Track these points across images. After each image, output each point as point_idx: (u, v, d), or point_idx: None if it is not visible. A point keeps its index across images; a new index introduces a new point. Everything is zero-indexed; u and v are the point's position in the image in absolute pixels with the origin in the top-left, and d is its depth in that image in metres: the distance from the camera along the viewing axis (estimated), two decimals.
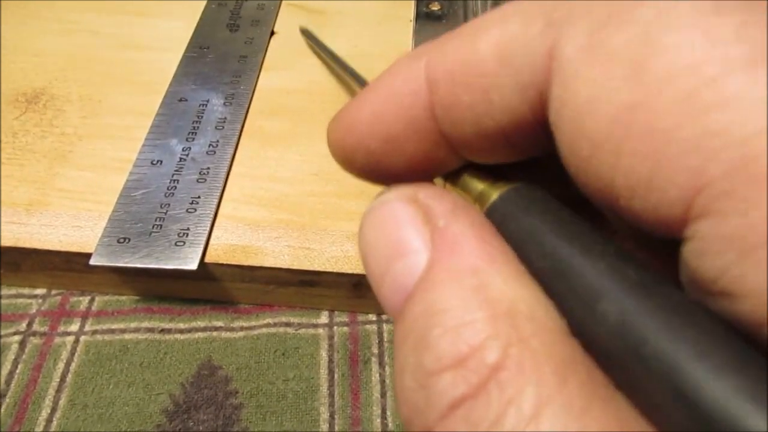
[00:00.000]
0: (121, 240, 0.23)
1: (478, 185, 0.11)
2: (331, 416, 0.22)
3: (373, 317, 0.25)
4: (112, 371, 0.23)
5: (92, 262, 0.23)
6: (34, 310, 0.25)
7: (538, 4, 0.09)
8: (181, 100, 0.29)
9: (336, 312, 0.25)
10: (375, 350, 0.24)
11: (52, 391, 0.23)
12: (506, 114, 0.10)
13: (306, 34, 0.32)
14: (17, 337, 0.24)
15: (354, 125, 0.11)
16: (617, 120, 0.08)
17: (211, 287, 0.24)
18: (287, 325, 0.25)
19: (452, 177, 0.12)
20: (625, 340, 0.08)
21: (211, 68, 0.31)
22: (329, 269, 0.23)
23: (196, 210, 0.24)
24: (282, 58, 0.32)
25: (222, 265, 0.23)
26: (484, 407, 0.08)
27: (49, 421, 0.22)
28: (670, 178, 0.08)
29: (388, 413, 0.22)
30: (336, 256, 0.23)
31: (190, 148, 0.27)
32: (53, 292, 0.26)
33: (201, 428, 0.22)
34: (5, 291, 0.25)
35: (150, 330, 0.24)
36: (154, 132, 0.27)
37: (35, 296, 0.25)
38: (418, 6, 0.34)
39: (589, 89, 0.08)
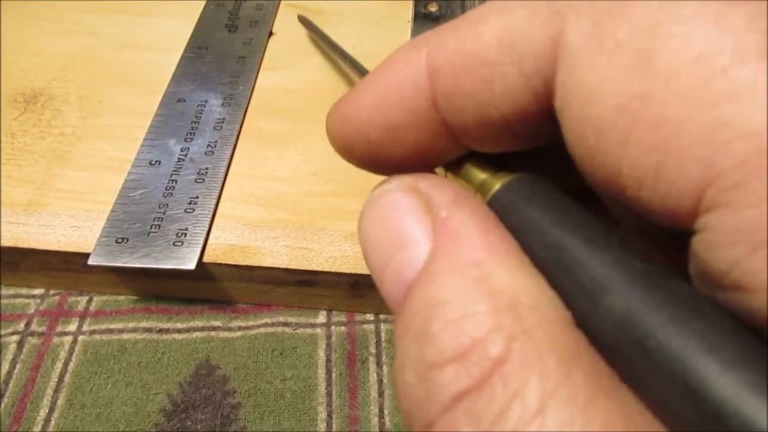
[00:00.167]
0: (120, 240, 0.23)
1: (480, 175, 0.11)
2: (329, 415, 0.22)
3: (370, 317, 0.25)
4: (110, 371, 0.23)
5: (90, 262, 0.23)
6: (32, 310, 0.25)
7: None
8: (179, 101, 0.29)
9: (334, 312, 0.25)
10: (372, 350, 0.24)
11: (50, 391, 0.23)
12: (509, 103, 0.10)
13: (304, 22, 0.32)
14: (15, 337, 0.24)
15: (354, 115, 0.11)
16: (624, 109, 0.08)
17: (209, 287, 0.24)
18: (285, 324, 0.25)
19: (453, 166, 0.12)
20: (631, 334, 0.08)
21: (209, 69, 0.31)
22: (327, 269, 0.23)
23: (194, 210, 0.24)
24: (280, 59, 0.32)
25: (220, 264, 0.23)
26: (487, 400, 0.08)
27: (47, 420, 0.22)
28: (679, 170, 0.08)
29: (386, 412, 0.22)
30: (334, 255, 0.23)
31: (188, 148, 0.27)
32: (51, 292, 0.26)
33: (199, 428, 0.22)
34: (3, 291, 0.26)
35: (148, 330, 0.24)
36: (152, 132, 0.27)
37: (33, 296, 0.25)
38: (416, 6, 0.34)
39: (595, 77, 0.08)
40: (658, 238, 0.10)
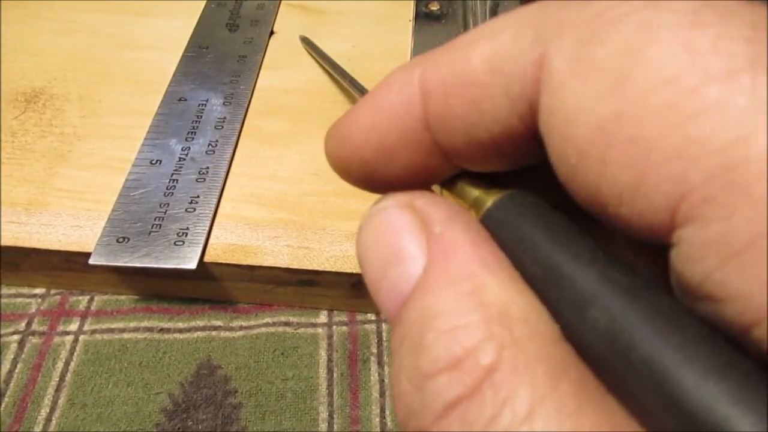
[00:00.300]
0: (121, 239, 0.23)
1: (473, 192, 0.11)
2: (330, 415, 0.22)
3: (372, 317, 0.25)
4: (111, 371, 0.23)
5: (91, 261, 0.23)
6: (33, 310, 0.25)
7: (529, 18, 0.10)
8: (180, 100, 0.29)
9: (335, 311, 0.25)
10: (374, 350, 0.24)
11: (51, 391, 0.23)
12: (497, 124, 0.10)
13: (306, 42, 0.32)
14: (16, 337, 0.24)
15: (350, 136, 0.12)
16: (602, 129, 0.08)
17: (210, 287, 0.24)
18: (286, 324, 0.25)
19: (448, 184, 0.12)
20: (614, 346, 0.08)
21: (210, 68, 0.31)
22: (328, 269, 0.23)
23: (195, 209, 0.24)
24: (281, 58, 0.32)
25: (221, 264, 0.23)
26: (478, 407, 0.08)
27: (48, 420, 0.22)
28: (654, 186, 0.08)
29: (387, 412, 0.22)
30: (335, 255, 0.23)
31: (189, 147, 0.27)
32: (52, 291, 0.26)
33: (200, 427, 0.22)
34: (4, 290, 0.26)
35: (149, 329, 0.24)
36: (153, 132, 0.27)
37: (34, 296, 0.25)
38: (417, 6, 0.34)
39: (575, 99, 0.09)
40: (646, 251, 0.10)
